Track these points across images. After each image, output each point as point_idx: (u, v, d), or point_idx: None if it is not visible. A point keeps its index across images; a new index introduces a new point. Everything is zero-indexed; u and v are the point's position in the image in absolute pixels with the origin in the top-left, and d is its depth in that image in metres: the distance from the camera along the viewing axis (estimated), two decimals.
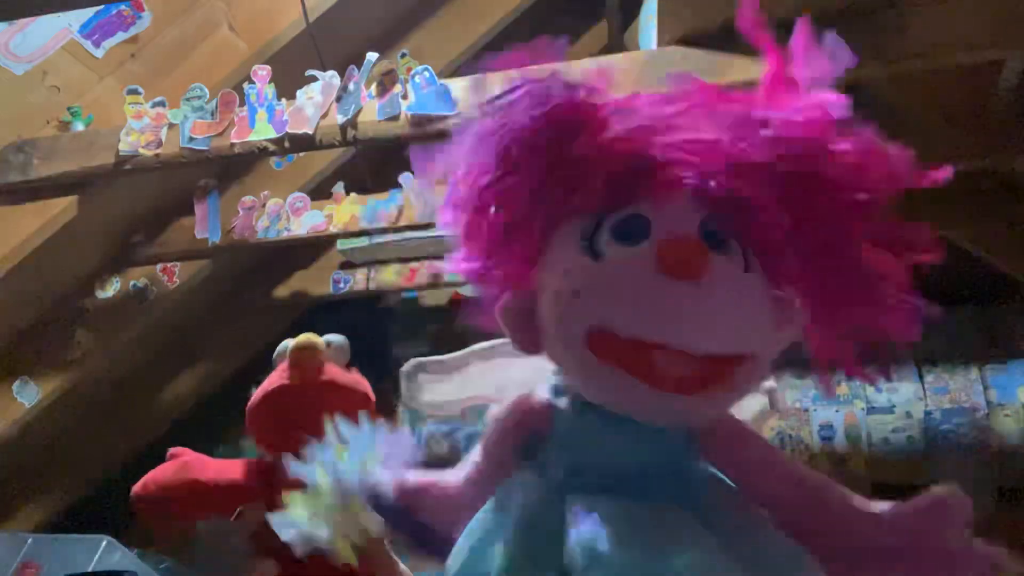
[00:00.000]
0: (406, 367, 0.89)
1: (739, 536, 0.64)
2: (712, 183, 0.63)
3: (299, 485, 0.83)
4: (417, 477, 0.82)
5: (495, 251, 0.71)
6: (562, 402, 0.72)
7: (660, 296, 0.61)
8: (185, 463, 1.51)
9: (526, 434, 0.73)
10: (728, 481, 0.70)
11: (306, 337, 1.46)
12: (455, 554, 0.71)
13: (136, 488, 1.51)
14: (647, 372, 0.62)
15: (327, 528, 0.79)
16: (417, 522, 0.81)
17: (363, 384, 1.53)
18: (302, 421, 1.40)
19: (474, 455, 0.79)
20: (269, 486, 1.37)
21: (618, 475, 0.68)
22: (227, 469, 1.53)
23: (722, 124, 0.64)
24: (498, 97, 0.68)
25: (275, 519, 0.80)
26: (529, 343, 0.71)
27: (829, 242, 0.65)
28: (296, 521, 0.79)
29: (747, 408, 0.81)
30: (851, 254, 0.65)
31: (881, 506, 0.66)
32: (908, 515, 0.64)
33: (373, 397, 1.55)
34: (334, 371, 1.48)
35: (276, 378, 1.49)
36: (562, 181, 0.66)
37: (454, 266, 0.73)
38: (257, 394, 1.50)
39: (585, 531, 0.61)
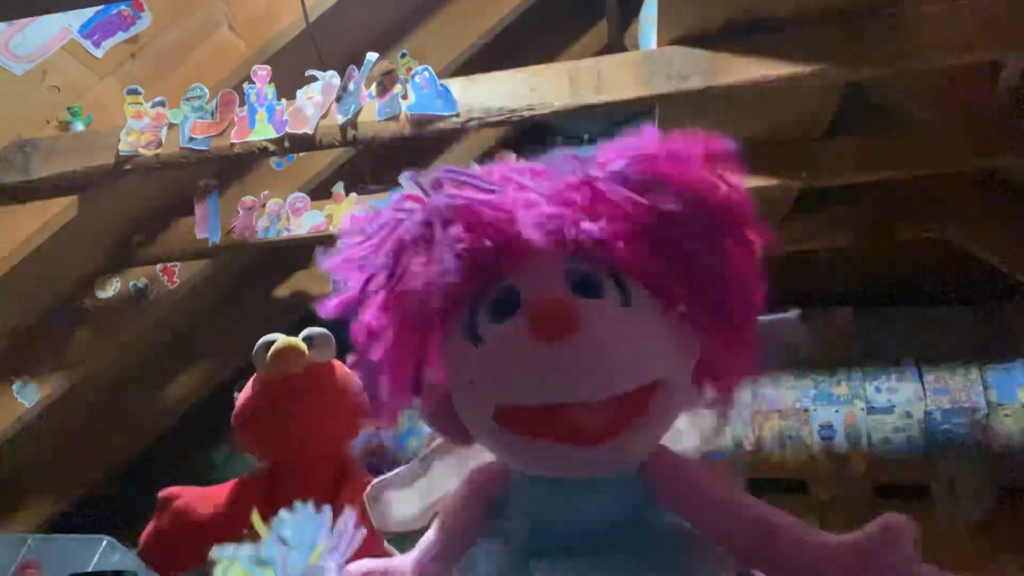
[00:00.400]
0: (369, 492, 0.87)
1: None
2: (560, 236, 0.63)
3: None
4: (367, 566, 0.78)
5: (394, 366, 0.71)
6: (515, 473, 0.74)
7: (543, 361, 0.62)
8: (178, 508, 1.45)
9: (487, 503, 0.75)
10: (686, 525, 0.70)
11: (285, 343, 1.39)
12: None
13: (140, 546, 1.47)
14: (562, 433, 0.64)
15: None
16: None
17: (350, 381, 1.46)
18: (293, 428, 1.37)
19: (428, 538, 0.78)
20: (269, 500, 1.34)
21: (578, 533, 0.69)
22: (222, 498, 1.47)
23: (555, 184, 0.66)
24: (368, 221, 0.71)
25: None
26: (459, 437, 0.74)
27: (684, 253, 0.65)
28: None
29: (694, 432, 0.82)
30: (707, 262, 0.65)
31: (831, 537, 0.66)
32: (858, 543, 0.63)
33: (363, 393, 1.49)
34: (319, 373, 1.42)
35: (257, 390, 1.43)
36: (427, 286, 0.65)
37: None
38: (241, 408, 1.44)
39: None
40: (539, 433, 0.65)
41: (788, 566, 0.65)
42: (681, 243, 0.64)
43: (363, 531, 0.75)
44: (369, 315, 0.70)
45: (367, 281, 0.70)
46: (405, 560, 0.78)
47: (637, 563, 0.66)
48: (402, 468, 0.86)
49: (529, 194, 0.65)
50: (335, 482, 1.42)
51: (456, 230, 0.64)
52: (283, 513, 0.75)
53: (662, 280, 0.66)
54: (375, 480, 0.86)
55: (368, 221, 0.71)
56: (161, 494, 1.48)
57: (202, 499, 1.48)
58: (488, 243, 0.64)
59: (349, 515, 0.76)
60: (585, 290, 0.64)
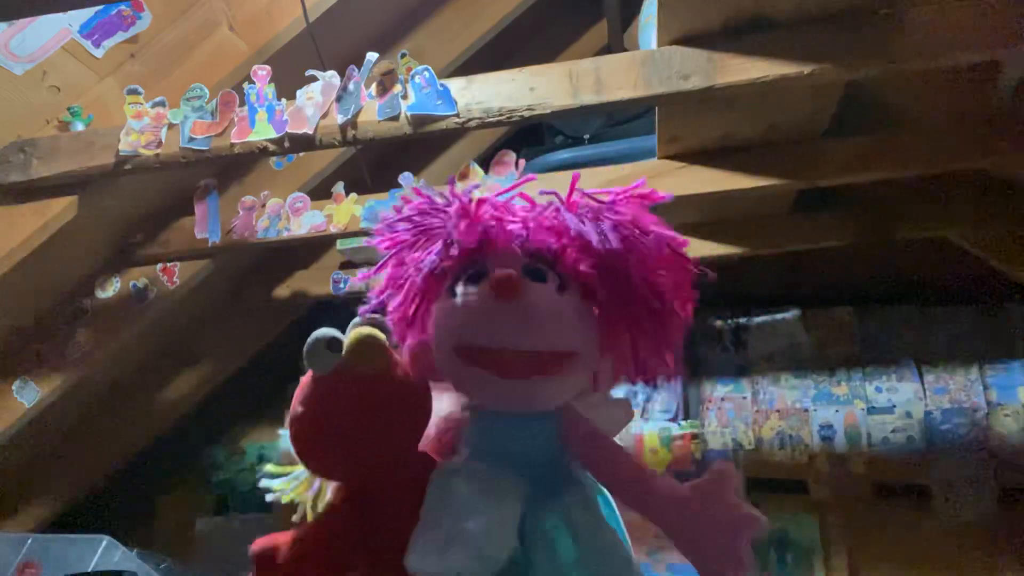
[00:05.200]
0: None
1: (577, 517, 0.91)
2: (524, 241, 0.97)
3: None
4: None
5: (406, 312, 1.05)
6: (467, 412, 1.03)
7: (492, 314, 0.91)
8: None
9: (451, 439, 1.04)
10: (582, 474, 0.98)
11: (366, 333, 1.03)
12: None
13: None
14: (496, 368, 0.91)
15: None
16: None
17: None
18: (389, 441, 1.04)
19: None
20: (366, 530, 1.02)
21: (505, 459, 0.94)
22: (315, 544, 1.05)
23: (530, 210, 1.00)
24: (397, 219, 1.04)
25: None
26: (432, 376, 1.01)
27: (612, 271, 0.93)
28: None
29: (612, 419, 1.07)
30: (630, 280, 0.93)
31: (682, 488, 0.88)
32: (696, 491, 0.86)
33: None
34: (397, 371, 1.07)
35: (328, 395, 1.03)
36: (434, 258, 0.98)
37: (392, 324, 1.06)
38: (306, 420, 1.04)
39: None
40: (482, 366, 0.92)
41: (655, 508, 0.89)
42: (613, 269, 0.93)
43: None
44: (393, 270, 1.04)
45: (395, 244, 1.03)
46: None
47: (544, 487, 0.92)
48: None
49: (514, 214, 0.99)
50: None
51: (460, 229, 0.95)
52: None
53: (591, 287, 0.94)
54: None
55: (401, 210, 1.04)
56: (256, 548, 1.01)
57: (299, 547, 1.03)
58: (475, 241, 0.96)
59: None
60: (534, 276, 0.93)
